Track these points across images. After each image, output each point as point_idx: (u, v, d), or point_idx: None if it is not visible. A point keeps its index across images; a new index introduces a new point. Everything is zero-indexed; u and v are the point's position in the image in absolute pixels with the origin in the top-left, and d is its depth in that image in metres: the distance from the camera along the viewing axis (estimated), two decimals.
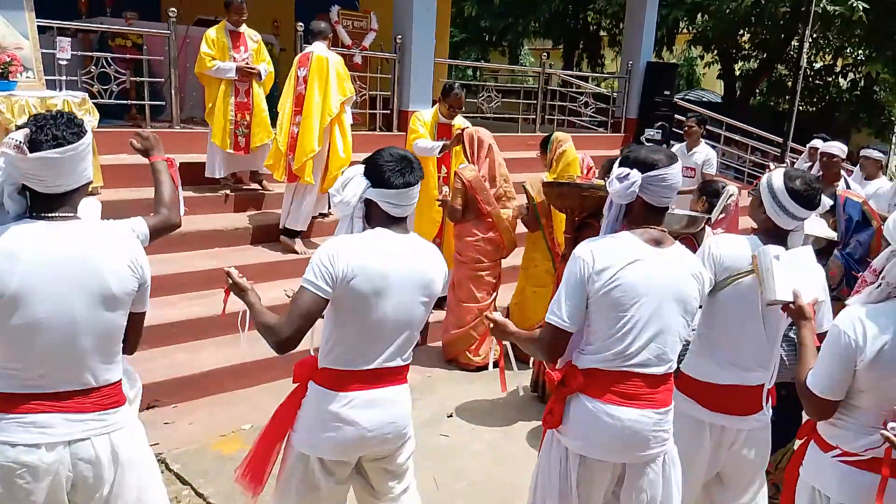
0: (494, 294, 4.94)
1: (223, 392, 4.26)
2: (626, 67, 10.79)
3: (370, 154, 2.26)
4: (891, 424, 1.84)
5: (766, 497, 2.72)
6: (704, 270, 2.24)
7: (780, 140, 11.55)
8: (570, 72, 15.00)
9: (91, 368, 1.89)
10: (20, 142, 1.75)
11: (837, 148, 5.45)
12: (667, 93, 10.81)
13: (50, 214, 1.85)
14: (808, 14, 10.40)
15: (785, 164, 12.27)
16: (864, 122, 17.13)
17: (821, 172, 5.48)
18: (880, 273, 1.99)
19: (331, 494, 2.25)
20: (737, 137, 11.80)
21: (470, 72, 22.60)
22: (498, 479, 3.61)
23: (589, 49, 20.52)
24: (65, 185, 1.85)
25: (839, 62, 17.15)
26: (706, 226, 3.73)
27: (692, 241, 3.71)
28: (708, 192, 3.91)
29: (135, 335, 2.05)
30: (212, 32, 5.72)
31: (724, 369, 2.40)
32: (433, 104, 6.04)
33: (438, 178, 5.37)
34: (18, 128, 1.82)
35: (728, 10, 14.23)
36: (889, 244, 2.00)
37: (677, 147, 6.89)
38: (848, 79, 17.35)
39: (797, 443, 3.28)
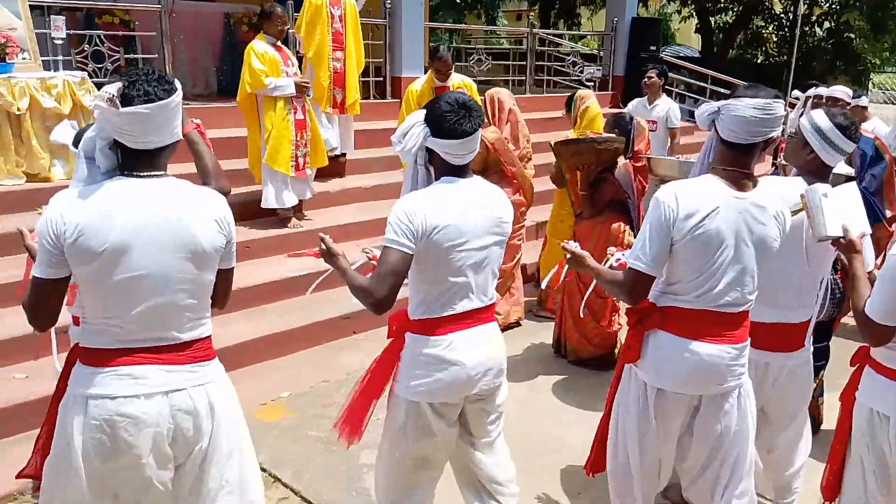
0: (519, 255, 4.98)
1: (257, 363, 4.31)
2: (611, 24, 10.80)
3: (429, 104, 2.27)
4: None
5: (809, 430, 2.85)
6: (784, 210, 2.29)
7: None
8: (558, 31, 14.96)
9: (184, 323, 1.94)
10: (113, 95, 1.78)
11: (842, 92, 5.51)
12: (653, 48, 10.86)
13: (141, 173, 1.89)
14: None
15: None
16: (840, 71, 17.30)
17: None
18: None
19: (444, 438, 2.33)
20: (722, 90, 11.87)
21: (446, 35, 22.41)
22: (523, 431, 3.69)
23: (564, 8, 20.41)
24: (154, 141, 1.88)
25: (815, 11, 17.24)
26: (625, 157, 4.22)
27: (610, 176, 4.17)
28: (619, 124, 4.41)
29: (224, 291, 2.10)
30: (259, 46, 5.15)
31: (768, 307, 2.48)
32: (425, 70, 6.07)
33: None
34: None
35: None
36: None
37: (638, 101, 6.73)
38: (824, 28, 17.47)
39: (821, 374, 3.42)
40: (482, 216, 2.23)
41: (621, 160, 4.25)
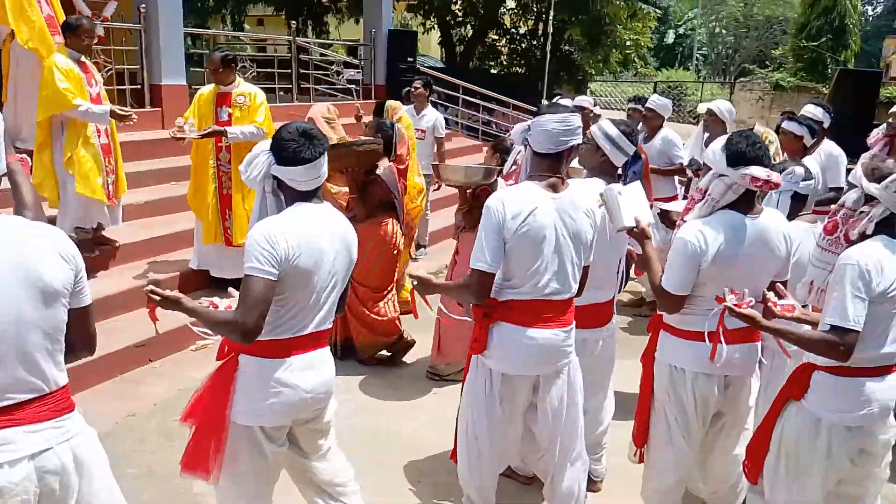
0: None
1: None
2: (369, 35, 11.14)
3: (275, 134, 2.30)
4: (728, 297, 2.43)
5: (613, 393, 3.32)
6: (596, 209, 2.65)
7: (507, 100, 12.95)
8: (320, 40, 14.99)
9: (42, 371, 1.75)
10: None
11: (586, 101, 6.37)
12: (410, 59, 11.42)
13: None
14: None
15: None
16: (563, 80, 19.56)
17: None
18: (706, 192, 2.58)
19: (276, 459, 2.32)
20: (473, 100, 12.83)
21: (189, 41, 21.31)
22: (358, 428, 3.80)
23: (312, 15, 20.51)
24: None
25: (540, 27, 19.25)
26: (499, 177, 4.30)
27: (488, 190, 4.28)
28: (500, 149, 4.48)
29: (86, 335, 1.92)
30: (62, 61, 4.56)
31: (586, 290, 2.86)
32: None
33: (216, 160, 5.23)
34: None
35: None
36: (711, 168, 2.59)
37: (407, 108, 7.15)
38: (549, 41, 19.56)
39: None
40: (338, 239, 2.30)
41: (385, 162, 4.51)
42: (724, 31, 42.12)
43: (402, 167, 4.72)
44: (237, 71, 5.26)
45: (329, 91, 11.15)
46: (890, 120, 4.68)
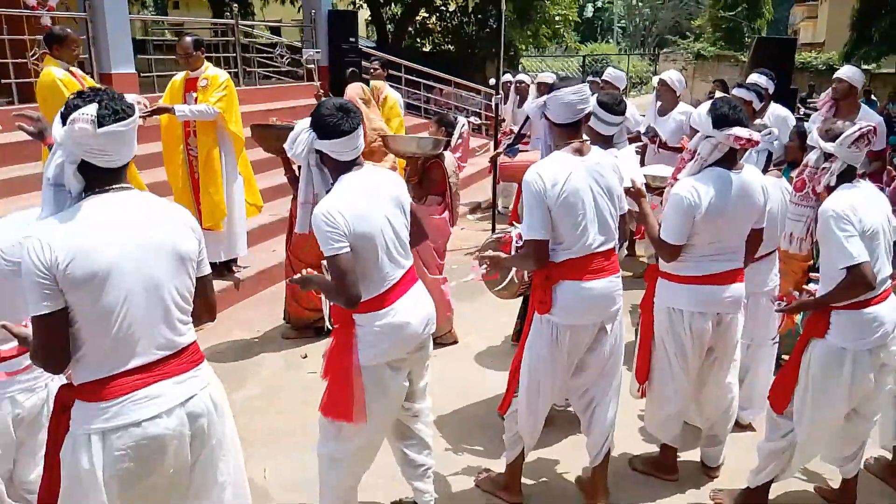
0: None
1: None
2: (309, 16, 11.12)
3: (313, 111, 2.51)
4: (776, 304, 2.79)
5: None
6: (617, 164, 2.93)
7: (451, 78, 13.17)
8: (261, 21, 14.77)
9: (179, 330, 1.94)
10: (92, 117, 1.72)
11: (549, 77, 6.70)
12: (352, 39, 11.45)
13: (114, 187, 1.86)
14: None
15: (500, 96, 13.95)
16: (496, 56, 19.89)
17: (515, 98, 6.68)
18: (695, 152, 2.91)
19: (399, 393, 2.61)
20: (416, 79, 12.99)
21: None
22: None
23: None
24: (124, 157, 1.87)
25: (470, 3, 19.47)
26: (447, 150, 4.61)
27: (438, 163, 4.56)
28: (445, 122, 4.78)
29: (208, 301, 2.12)
30: (58, 72, 4.56)
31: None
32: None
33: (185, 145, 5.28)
34: (73, 105, 1.79)
35: None
36: (698, 131, 2.92)
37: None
38: (478, 17, 19.83)
39: None
40: (388, 195, 2.53)
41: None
42: (640, 4, 43.30)
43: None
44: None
45: (269, 74, 11.11)
46: (834, 85, 5.15)
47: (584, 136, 2.86)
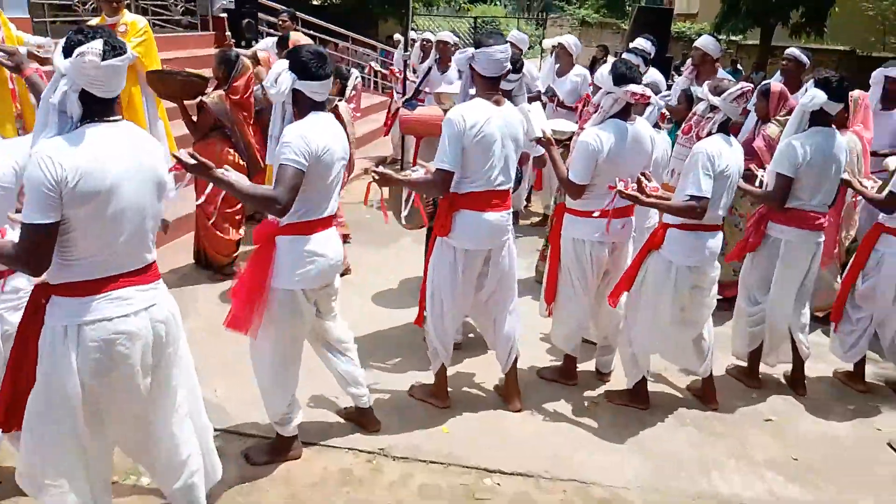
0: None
1: None
2: None
3: (289, 51, 2.80)
4: (619, 184, 3.33)
5: None
6: (532, 117, 3.39)
7: (347, 33, 13.25)
8: None
9: (149, 247, 2.24)
10: (99, 51, 1.97)
11: (449, 36, 7.09)
12: None
13: (109, 118, 2.11)
14: None
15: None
16: (389, 12, 20.04)
17: (438, 57, 7.07)
18: (598, 106, 3.44)
19: (309, 318, 2.95)
20: (311, 32, 12.96)
21: None
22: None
23: None
24: (116, 90, 2.10)
25: None
26: (343, 101, 4.95)
27: (337, 112, 4.79)
28: (339, 74, 5.12)
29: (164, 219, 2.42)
30: None
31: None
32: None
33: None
34: (77, 40, 2.01)
35: None
36: (600, 88, 3.44)
37: (272, 40, 7.21)
38: None
39: None
40: (339, 140, 2.87)
41: (217, 93, 4.85)
42: None
43: (235, 97, 4.90)
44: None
45: (161, 23, 10.83)
46: (692, 52, 5.86)
47: (499, 91, 3.31)
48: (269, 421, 3.08)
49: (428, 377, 3.68)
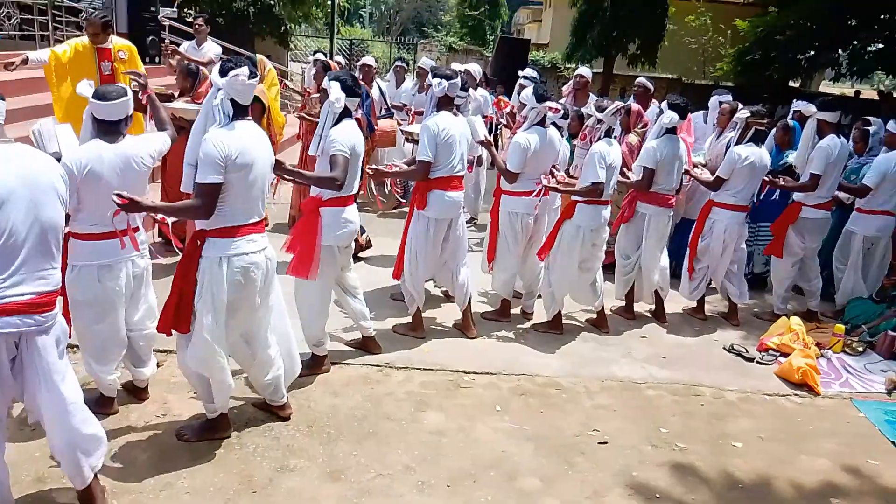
0: None
1: None
2: None
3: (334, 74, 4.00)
4: (544, 180, 4.78)
5: None
6: (474, 126, 4.77)
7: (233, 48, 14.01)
8: None
9: (263, 206, 3.36)
10: (247, 73, 3.11)
11: (371, 60, 8.34)
12: (153, 9, 11.97)
13: (245, 117, 3.22)
14: None
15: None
16: (266, 32, 20.83)
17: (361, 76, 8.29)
18: (525, 117, 4.88)
19: (340, 263, 4.16)
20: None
21: None
22: None
23: None
24: (249, 100, 3.24)
25: None
26: None
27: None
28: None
29: None
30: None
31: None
32: None
33: None
34: (230, 66, 3.13)
35: None
36: (525, 104, 4.88)
37: (188, 44, 8.26)
38: None
39: None
40: (361, 140, 4.09)
41: (184, 99, 5.78)
42: None
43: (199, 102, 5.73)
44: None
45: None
46: (576, 79, 7.46)
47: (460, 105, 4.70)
48: (308, 345, 4.22)
49: (404, 320, 4.94)
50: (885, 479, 3.78)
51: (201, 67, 6.13)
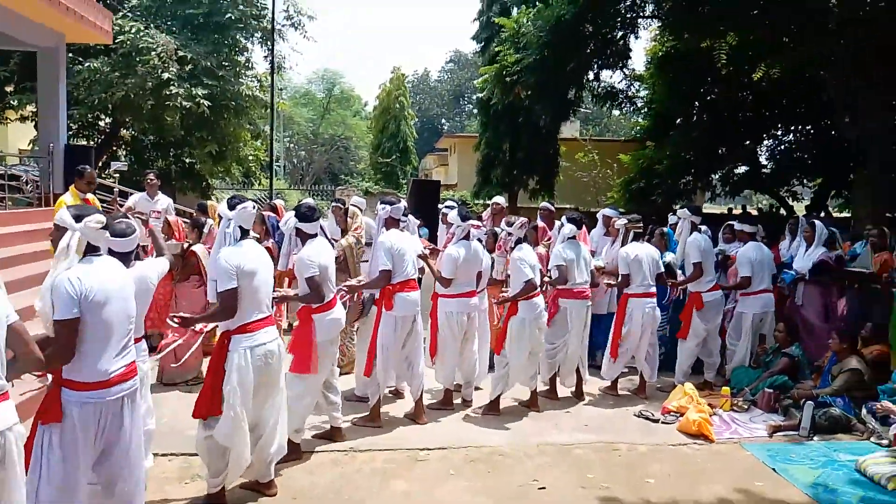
0: None
1: None
2: (47, 149, 12.26)
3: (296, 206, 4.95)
4: (495, 300, 5.78)
5: None
6: (413, 243, 5.78)
7: None
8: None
9: (266, 305, 4.18)
10: (253, 206, 4.04)
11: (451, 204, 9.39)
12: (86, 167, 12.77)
13: (249, 238, 4.11)
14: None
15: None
16: (188, 188, 21.83)
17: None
18: (454, 234, 5.93)
19: (332, 356, 4.99)
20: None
21: None
22: None
23: None
24: (250, 226, 4.16)
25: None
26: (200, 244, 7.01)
27: (194, 252, 6.90)
28: (197, 224, 7.08)
29: None
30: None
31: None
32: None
33: None
34: (236, 202, 4.04)
35: None
36: (452, 223, 5.95)
37: (140, 196, 8.95)
38: (172, 154, 21.60)
39: None
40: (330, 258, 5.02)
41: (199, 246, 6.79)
42: (295, 147, 48.21)
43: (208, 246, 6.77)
44: None
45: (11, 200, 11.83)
46: (492, 206, 8.74)
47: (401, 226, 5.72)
48: (289, 431, 4.85)
49: (361, 415, 5.67)
50: (769, 494, 4.69)
51: (210, 223, 6.96)
